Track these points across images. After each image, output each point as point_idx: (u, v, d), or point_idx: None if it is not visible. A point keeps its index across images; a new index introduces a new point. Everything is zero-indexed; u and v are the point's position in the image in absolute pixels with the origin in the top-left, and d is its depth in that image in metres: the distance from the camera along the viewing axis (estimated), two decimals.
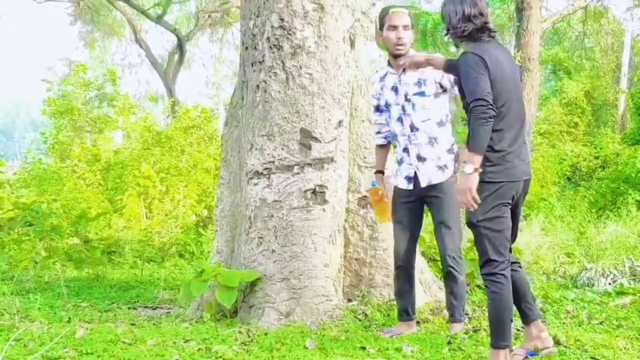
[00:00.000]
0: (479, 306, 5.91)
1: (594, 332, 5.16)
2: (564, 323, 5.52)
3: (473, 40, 4.29)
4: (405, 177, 5.13)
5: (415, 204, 5.18)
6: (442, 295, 6.04)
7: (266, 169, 5.64)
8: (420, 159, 5.06)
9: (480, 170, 4.07)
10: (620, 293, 6.63)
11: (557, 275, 7.98)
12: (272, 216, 5.57)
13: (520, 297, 4.47)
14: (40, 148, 19.22)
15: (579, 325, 5.43)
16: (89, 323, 5.60)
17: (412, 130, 5.06)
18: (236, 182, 6.11)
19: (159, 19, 27.99)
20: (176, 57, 30.06)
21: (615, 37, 27.38)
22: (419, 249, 6.35)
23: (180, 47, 29.20)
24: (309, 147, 5.59)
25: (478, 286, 6.55)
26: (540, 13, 18.71)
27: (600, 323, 5.49)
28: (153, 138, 14.39)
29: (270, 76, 5.70)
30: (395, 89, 5.14)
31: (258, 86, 5.77)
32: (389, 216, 5.37)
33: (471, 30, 4.28)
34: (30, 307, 6.12)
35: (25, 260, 8.44)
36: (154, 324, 5.62)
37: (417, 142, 5.06)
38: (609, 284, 6.99)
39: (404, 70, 5.08)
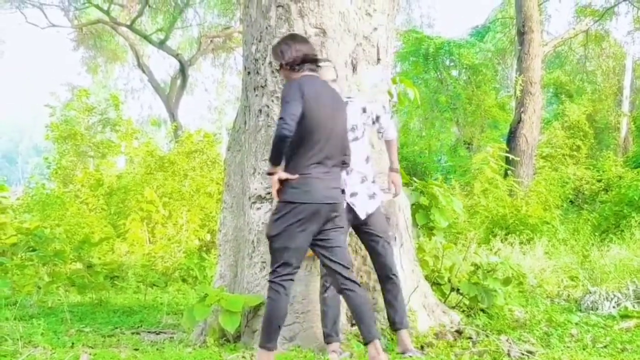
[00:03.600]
0: (483, 330, 5.89)
1: (598, 356, 5.13)
2: (568, 347, 5.49)
3: (302, 72, 4.70)
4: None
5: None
6: (446, 319, 6.02)
7: (269, 193, 5.64)
8: (353, 195, 5.20)
9: (277, 173, 4.52)
10: (625, 316, 6.61)
11: (561, 298, 7.95)
12: None
13: (355, 317, 4.71)
14: (43, 173, 19.27)
15: (584, 349, 5.40)
16: (92, 348, 5.59)
17: (347, 174, 5.13)
18: (239, 207, 6.11)
19: (161, 44, 28.22)
20: (178, 81, 30.21)
21: (616, 60, 27.47)
22: (422, 272, 6.35)
23: (183, 71, 29.37)
24: None
25: (482, 310, 6.53)
26: (541, 37, 18.83)
27: (605, 347, 5.46)
28: (156, 163, 14.43)
29: (272, 100, 5.72)
30: None
31: (260, 110, 5.79)
32: None
33: (302, 58, 4.71)
34: (34, 333, 6.11)
35: (29, 286, 8.44)
36: (157, 349, 5.60)
37: (352, 182, 5.20)
38: (613, 307, 6.96)
39: None
